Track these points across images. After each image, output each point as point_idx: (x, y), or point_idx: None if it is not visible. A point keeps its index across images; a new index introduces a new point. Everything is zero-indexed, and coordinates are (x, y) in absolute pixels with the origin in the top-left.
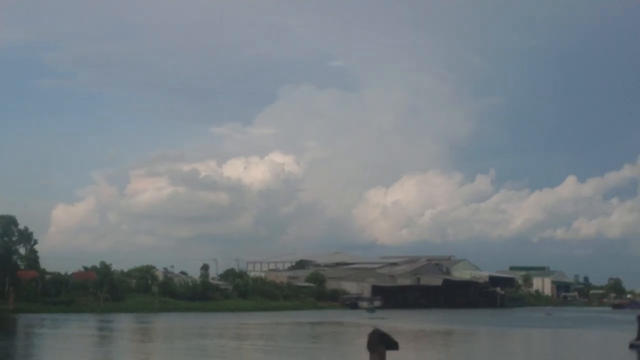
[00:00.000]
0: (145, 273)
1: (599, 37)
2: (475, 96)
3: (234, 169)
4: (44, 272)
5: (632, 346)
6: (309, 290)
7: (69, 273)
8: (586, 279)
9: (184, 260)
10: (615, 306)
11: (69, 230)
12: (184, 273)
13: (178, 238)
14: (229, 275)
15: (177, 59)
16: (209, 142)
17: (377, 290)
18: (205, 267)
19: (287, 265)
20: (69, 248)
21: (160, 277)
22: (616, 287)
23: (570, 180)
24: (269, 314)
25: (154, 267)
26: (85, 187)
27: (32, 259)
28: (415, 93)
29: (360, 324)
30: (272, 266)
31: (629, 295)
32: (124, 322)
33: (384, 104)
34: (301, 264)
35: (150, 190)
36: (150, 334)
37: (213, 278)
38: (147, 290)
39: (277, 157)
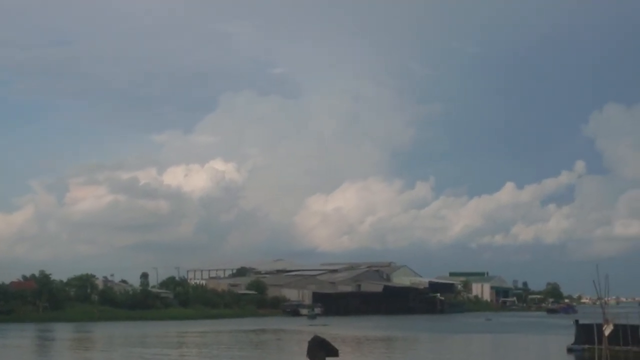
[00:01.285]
0: (84, 282)
1: (538, 45)
2: (416, 103)
3: (175, 177)
4: None
5: (570, 350)
6: (249, 298)
7: (7, 282)
8: (525, 284)
9: (124, 268)
10: (550, 311)
11: (7, 239)
12: (124, 282)
13: (118, 246)
14: (170, 283)
15: (116, 66)
16: (149, 150)
17: (317, 297)
18: (144, 276)
19: (228, 273)
20: (7, 257)
21: (100, 285)
22: (554, 292)
23: (509, 186)
24: (210, 322)
25: (94, 276)
26: (23, 195)
27: None
28: (356, 100)
29: (300, 331)
30: (212, 274)
31: (566, 300)
32: (63, 332)
33: (325, 111)
34: (242, 272)
35: (89, 198)
36: (89, 343)
37: (153, 286)
38: (87, 299)
39: (218, 165)
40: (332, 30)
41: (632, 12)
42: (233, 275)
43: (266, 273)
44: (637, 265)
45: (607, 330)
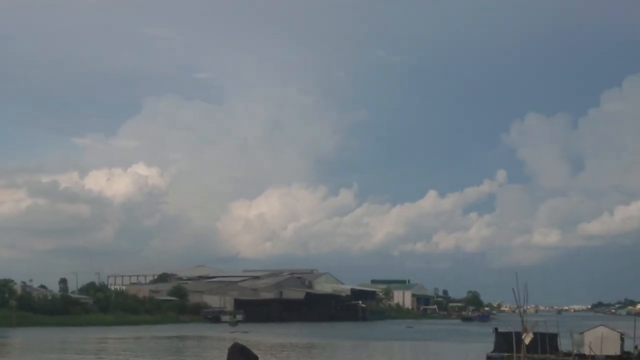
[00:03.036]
0: (2, 287)
1: (461, 55)
2: (340, 111)
3: (96, 181)
4: None
5: (489, 358)
6: (171, 304)
7: None
8: (445, 292)
9: (43, 273)
10: (464, 319)
11: None
12: (43, 287)
13: (37, 251)
14: (90, 289)
15: (37, 69)
16: (70, 154)
17: (239, 304)
18: (63, 281)
19: (149, 278)
20: None
21: (19, 291)
22: (474, 300)
23: (432, 194)
24: (131, 329)
25: (12, 281)
26: None
27: None
28: (281, 106)
29: (221, 338)
30: (134, 280)
31: (487, 308)
32: None
33: (250, 117)
34: (163, 278)
35: (8, 202)
36: (5, 350)
37: (73, 292)
38: (5, 304)
39: (141, 169)
40: (257, 37)
41: (553, 24)
42: (154, 281)
43: (188, 279)
44: (555, 274)
45: (527, 338)
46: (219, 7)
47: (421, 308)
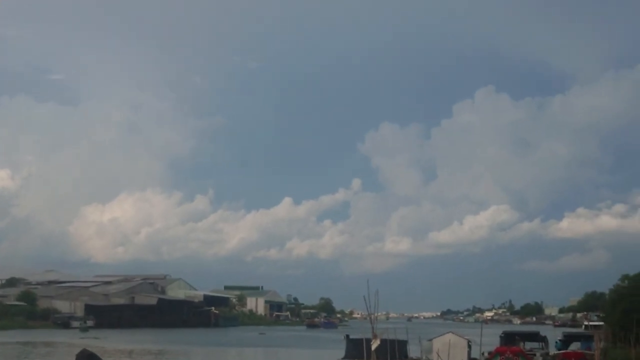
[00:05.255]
0: None
1: (317, 63)
2: (196, 116)
3: None
4: None
5: None
6: (19, 309)
7: None
8: (295, 299)
9: None
10: (309, 325)
11: None
12: None
13: None
14: None
15: None
16: None
17: (90, 310)
18: None
19: None
20: None
21: None
22: (326, 306)
23: (287, 201)
24: None
25: None
26: None
27: None
28: (136, 110)
29: (71, 344)
30: None
31: (338, 315)
32: None
33: (104, 120)
34: (12, 282)
35: None
36: None
37: None
38: None
39: None
40: (114, 39)
41: (408, 36)
42: (2, 286)
43: (37, 284)
44: (406, 282)
45: (374, 344)
46: (76, 9)
47: (274, 314)
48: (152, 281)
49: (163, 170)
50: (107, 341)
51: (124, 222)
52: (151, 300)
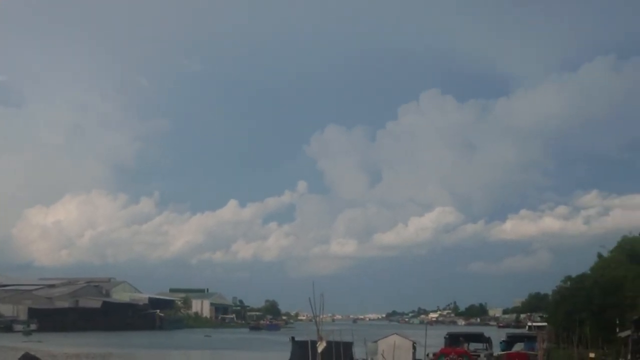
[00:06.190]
0: None
1: (263, 66)
2: (142, 118)
3: None
4: None
5: None
6: None
7: None
8: (241, 301)
9: None
10: (252, 328)
11: None
12: None
13: None
14: None
15: None
16: None
17: (33, 313)
18: None
19: None
20: None
21: None
22: (272, 309)
23: (232, 204)
24: None
25: None
26: None
27: None
28: (81, 112)
29: (13, 348)
30: None
31: (284, 317)
32: None
33: (50, 122)
34: None
35: None
36: None
37: None
38: None
39: None
40: (59, 40)
41: (354, 40)
42: None
43: None
44: (351, 283)
45: (320, 347)
46: (21, 11)
47: (219, 317)
48: (96, 284)
49: (108, 173)
50: (51, 345)
51: (68, 224)
52: (96, 303)
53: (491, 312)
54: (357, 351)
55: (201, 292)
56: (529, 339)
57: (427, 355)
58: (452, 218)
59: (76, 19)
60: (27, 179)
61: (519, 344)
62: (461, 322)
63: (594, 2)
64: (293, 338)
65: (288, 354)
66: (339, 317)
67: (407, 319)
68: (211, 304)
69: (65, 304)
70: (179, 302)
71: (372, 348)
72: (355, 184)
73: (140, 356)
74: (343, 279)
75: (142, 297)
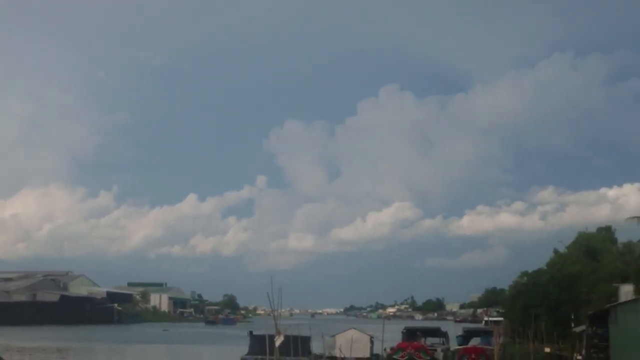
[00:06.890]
0: None
1: (224, 60)
2: (100, 111)
3: None
4: None
5: None
6: None
7: None
8: (199, 296)
9: None
10: (208, 322)
11: None
12: None
13: None
14: None
15: None
16: None
17: None
18: None
19: None
20: None
21: None
22: (230, 303)
23: (191, 198)
24: None
25: None
26: None
27: None
28: (39, 104)
29: None
30: None
31: (243, 311)
32: None
33: (7, 114)
34: None
35: None
36: None
37: None
38: None
39: None
40: (17, 31)
41: (313, 36)
42: None
43: None
44: (309, 278)
45: (278, 341)
46: None
47: (178, 311)
48: (54, 277)
49: (67, 166)
50: (7, 338)
51: (26, 217)
52: (53, 297)
53: (448, 307)
54: (315, 345)
55: (159, 287)
56: (485, 334)
57: (385, 349)
58: (410, 213)
59: (35, 10)
60: None
61: (475, 338)
62: (419, 316)
63: (552, 0)
64: (251, 332)
65: (246, 348)
66: (297, 311)
67: (365, 314)
68: (169, 298)
69: (22, 298)
70: (137, 296)
71: (330, 342)
72: (314, 179)
73: (98, 350)
74: (301, 274)
75: (100, 291)
